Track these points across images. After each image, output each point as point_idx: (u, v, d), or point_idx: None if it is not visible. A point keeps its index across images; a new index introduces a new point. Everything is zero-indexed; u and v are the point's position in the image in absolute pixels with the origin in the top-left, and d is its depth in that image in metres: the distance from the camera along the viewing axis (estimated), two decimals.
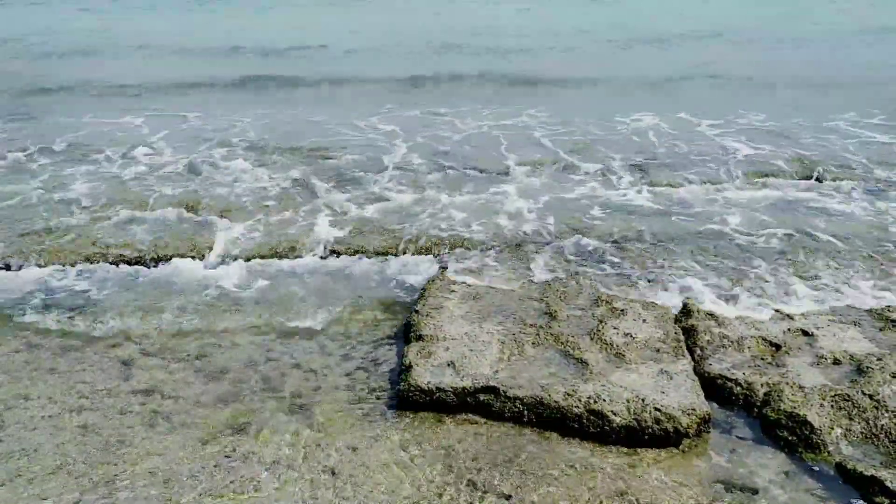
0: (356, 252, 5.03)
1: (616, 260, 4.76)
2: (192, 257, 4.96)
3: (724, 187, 6.36)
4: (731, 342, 3.59)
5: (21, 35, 17.95)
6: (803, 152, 7.32)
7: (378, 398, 3.33)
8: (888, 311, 3.87)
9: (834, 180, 6.44)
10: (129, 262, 4.92)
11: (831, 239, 5.10)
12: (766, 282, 4.45)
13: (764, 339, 3.60)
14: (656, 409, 3.01)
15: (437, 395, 3.22)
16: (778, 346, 3.55)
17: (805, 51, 14.45)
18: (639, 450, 2.96)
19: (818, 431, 2.95)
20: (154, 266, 4.87)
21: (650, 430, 2.97)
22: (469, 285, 4.29)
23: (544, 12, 21.65)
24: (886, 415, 2.98)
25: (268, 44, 16.63)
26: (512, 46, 15.74)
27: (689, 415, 3.00)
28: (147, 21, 21.06)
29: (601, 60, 14.33)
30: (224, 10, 23.49)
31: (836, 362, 3.40)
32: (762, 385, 3.25)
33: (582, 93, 11.08)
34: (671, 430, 2.96)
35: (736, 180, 6.54)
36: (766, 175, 6.65)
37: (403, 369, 3.40)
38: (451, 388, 3.22)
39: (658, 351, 3.48)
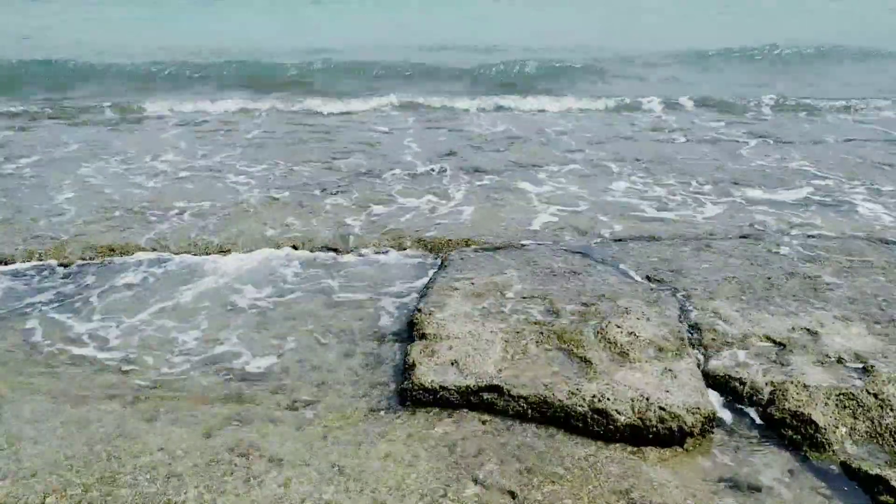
0: (360, 250, 5.02)
1: (622, 260, 4.75)
2: (193, 254, 4.96)
3: (735, 188, 6.35)
4: (736, 341, 3.58)
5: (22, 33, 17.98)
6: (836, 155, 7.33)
7: (382, 396, 3.32)
8: None
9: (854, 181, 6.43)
10: (130, 258, 4.92)
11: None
12: (786, 294, 4.37)
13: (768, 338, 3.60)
14: (661, 408, 3.00)
15: (441, 393, 3.21)
16: (783, 345, 3.54)
17: None
18: (643, 448, 2.95)
19: (823, 430, 2.94)
20: (156, 262, 4.86)
21: (655, 429, 2.96)
22: (473, 284, 4.28)
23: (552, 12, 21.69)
24: (891, 414, 2.97)
25: (273, 43, 16.64)
26: (522, 45, 15.77)
27: (693, 414, 2.99)
28: (147, 21, 21.06)
29: (616, 60, 14.35)
30: (226, 9, 23.52)
31: (841, 360, 3.39)
32: (767, 384, 3.24)
33: (601, 90, 11.08)
34: (676, 428, 2.95)
35: (752, 181, 6.52)
36: (783, 178, 6.64)
37: (407, 368, 3.39)
38: (455, 386, 3.21)
39: (662, 350, 3.47)
